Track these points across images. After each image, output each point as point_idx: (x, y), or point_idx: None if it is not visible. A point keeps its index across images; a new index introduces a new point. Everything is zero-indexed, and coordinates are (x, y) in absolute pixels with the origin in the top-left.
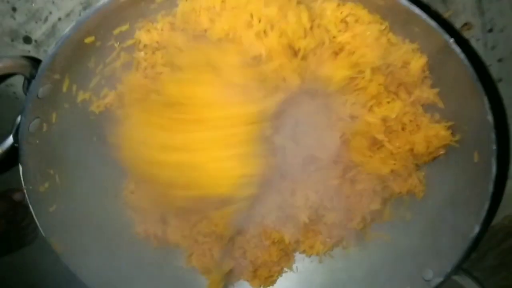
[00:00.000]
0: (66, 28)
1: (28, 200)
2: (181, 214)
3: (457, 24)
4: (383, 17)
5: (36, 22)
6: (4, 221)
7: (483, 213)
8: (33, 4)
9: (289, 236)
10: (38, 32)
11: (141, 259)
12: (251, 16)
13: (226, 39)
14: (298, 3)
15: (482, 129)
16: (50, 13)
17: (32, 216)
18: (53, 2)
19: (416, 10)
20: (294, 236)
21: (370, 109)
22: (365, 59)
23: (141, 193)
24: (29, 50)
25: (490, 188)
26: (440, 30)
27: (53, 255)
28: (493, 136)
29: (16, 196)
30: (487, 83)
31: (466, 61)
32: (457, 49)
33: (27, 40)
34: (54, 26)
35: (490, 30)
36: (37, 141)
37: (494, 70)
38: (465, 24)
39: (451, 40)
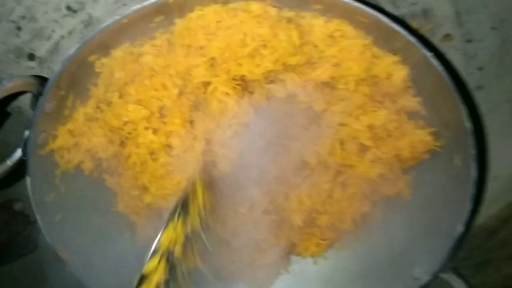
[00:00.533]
0: (68, 45)
1: (35, 210)
2: None
3: (438, 36)
4: (367, 32)
5: (40, 40)
6: (5, 231)
7: (466, 214)
8: (37, 23)
9: (285, 239)
10: (41, 49)
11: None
12: (245, 35)
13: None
14: (288, 21)
15: (461, 135)
16: (53, 31)
17: (33, 226)
18: (56, 21)
19: (397, 27)
20: (289, 239)
21: (357, 118)
22: (350, 72)
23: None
24: (33, 66)
25: (471, 189)
26: (419, 45)
27: (54, 264)
28: (471, 141)
29: (17, 206)
30: (467, 91)
31: (444, 73)
32: (435, 62)
33: (31, 57)
34: (57, 44)
35: (470, 41)
36: (43, 154)
37: (475, 78)
38: (446, 35)
39: (430, 54)
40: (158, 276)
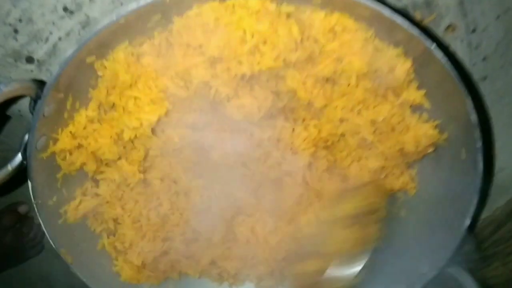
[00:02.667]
0: (66, 47)
1: (38, 214)
2: None
3: (442, 27)
4: (369, 25)
5: (38, 43)
6: (11, 234)
7: (473, 207)
8: (34, 26)
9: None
10: (39, 52)
11: None
12: (244, 32)
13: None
14: (288, 16)
15: (467, 127)
16: (51, 33)
17: (38, 228)
18: (53, 23)
19: (398, 19)
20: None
21: (359, 113)
22: (352, 67)
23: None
24: (32, 69)
25: (478, 183)
26: (421, 37)
27: (60, 266)
28: (477, 133)
29: (22, 209)
30: (472, 82)
31: (448, 64)
32: (438, 54)
33: (29, 60)
34: (55, 46)
35: (474, 31)
36: (44, 157)
37: (480, 69)
38: (449, 26)
39: (433, 46)
40: None
